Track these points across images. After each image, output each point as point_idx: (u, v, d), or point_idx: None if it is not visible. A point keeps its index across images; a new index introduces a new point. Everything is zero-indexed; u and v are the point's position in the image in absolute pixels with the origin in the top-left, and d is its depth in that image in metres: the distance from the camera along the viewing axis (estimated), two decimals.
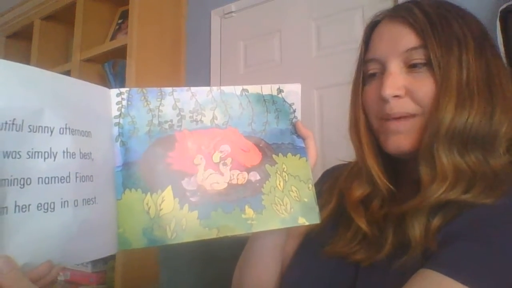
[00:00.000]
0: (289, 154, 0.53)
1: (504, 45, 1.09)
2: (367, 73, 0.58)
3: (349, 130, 0.61)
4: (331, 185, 0.66)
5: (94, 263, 1.85)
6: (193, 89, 0.50)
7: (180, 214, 0.47)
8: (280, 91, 0.54)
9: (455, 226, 0.47)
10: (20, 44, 2.66)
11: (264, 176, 0.51)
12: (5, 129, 0.36)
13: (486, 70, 0.51)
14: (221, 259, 1.09)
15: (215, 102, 0.51)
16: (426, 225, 0.48)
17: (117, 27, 2.13)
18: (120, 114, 0.48)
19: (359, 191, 0.58)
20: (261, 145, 0.52)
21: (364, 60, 0.58)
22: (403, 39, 0.53)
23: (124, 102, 0.48)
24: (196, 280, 1.12)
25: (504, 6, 1.11)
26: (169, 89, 0.50)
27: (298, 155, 0.54)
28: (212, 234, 0.47)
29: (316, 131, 1.69)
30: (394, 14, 0.56)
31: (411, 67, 0.53)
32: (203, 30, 2.07)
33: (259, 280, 0.62)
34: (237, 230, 0.48)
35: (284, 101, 0.54)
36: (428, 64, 0.51)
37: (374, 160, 0.56)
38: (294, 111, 0.55)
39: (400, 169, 0.59)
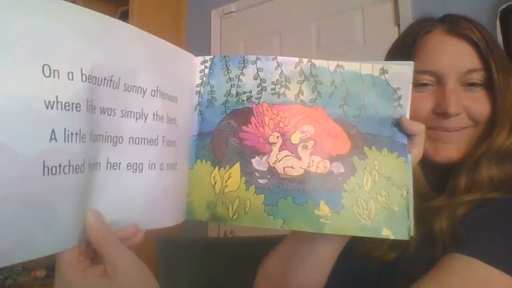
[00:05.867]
0: (385, 150, 0.45)
1: (504, 45, 1.09)
2: (418, 82, 0.56)
3: None
4: None
5: None
6: (279, 58, 0.45)
7: (245, 195, 0.43)
8: (383, 72, 0.45)
9: (480, 215, 0.50)
10: None
11: (349, 170, 0.44)
12: (103, 85, 0.35)
13: None
14: (221, 256, 1.09)
15: (303, 76, 0.45)
16: (449, 217, 0.51)
17: None
18: (201, 83, 0.47)
19: None
20: (352, 133, 0.45)
21: (417, 69, 0.54)
22: (465, 58, 0.55)
23: (207, 71, 0.46)
24: (195, 278, 1.12)
25: (504, 6, 1.11)
26: (252, 57, 0.46)
27: (396, 153, 0.45)
28: (276, 224, 0.42)
29: None
30: (454, 29, 0.56)
31: (467, 85, 0.55)
32: (203, 30, 2.07)
33: (311, 281, 0.55)
34: (306, 226, 0.42)
35: (388, 84, 0.45)
36: (483, 85, 0.55)
37: (420, 170, 0.57)
38: (399, 98, 0.45)
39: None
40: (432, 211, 0.52)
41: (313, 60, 0.45)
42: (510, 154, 0.53)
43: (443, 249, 0.48)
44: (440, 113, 0.54)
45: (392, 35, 1.56)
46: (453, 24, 0.57)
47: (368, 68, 0.45)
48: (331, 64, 0.45)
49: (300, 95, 0.45)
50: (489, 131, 0.54)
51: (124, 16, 2.08)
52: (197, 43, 2.07)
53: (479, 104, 0.54)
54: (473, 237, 0.47)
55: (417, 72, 0.54)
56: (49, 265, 2.03)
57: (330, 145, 0.44)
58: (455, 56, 0.55)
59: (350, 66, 0.45)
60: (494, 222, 0.48)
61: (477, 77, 0.54)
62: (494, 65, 0.53)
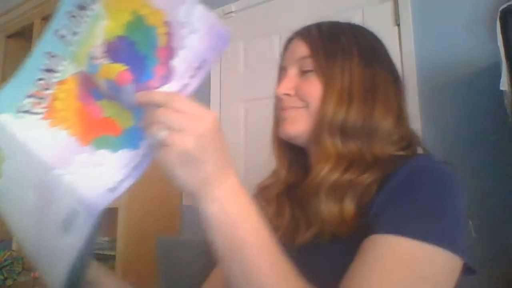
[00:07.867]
0: None
1: (504, 45, 1.09)
2: (279, 77, 0.70)
3: None
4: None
5: None
6: None
7: None
8: None
9: (378, 200, 0.54)
10: (20, 44, 2.66)
11: None
12: None
13: (371, 79, 0.62)
14: None
15: None
16: (340, 208, 0.56)
17: None
18: None
19: (268, 182, 0.71)
20: None
21: (279, 67, 0.72)
22: (298, 49, 0.66)
23: None
24: (195, 277, 1.12)
25: (504, 6, 1.11)
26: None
27: None
28: None
29: None
30: (298, 32, 0.69)
31: (303, 72, 0.65)
32: None
33: None
34: None
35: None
36: (315, 70, 0.63)
37: (278, 151, 0.70)
38: None
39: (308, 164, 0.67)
40: (311, 197, 0.58)
41: None
42: (352, 130, 0.59)
43: (359, 229, 0.52)
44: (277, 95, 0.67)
45: (392, 35, 1.56)
46: (301, 29, 0.69)
47: None
48: None
49: None
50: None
51: None
52: None
53: (309, 86, 0.63)
54: (385, 216, 0.51)
55: (280, 69, 0.71)
56: None
57: None
58: (293, 50, 0.67)
59: None
60: (398, 196, 0.52)
61: (308, 64, 0.64)
62: (321, 51, 0.63)
